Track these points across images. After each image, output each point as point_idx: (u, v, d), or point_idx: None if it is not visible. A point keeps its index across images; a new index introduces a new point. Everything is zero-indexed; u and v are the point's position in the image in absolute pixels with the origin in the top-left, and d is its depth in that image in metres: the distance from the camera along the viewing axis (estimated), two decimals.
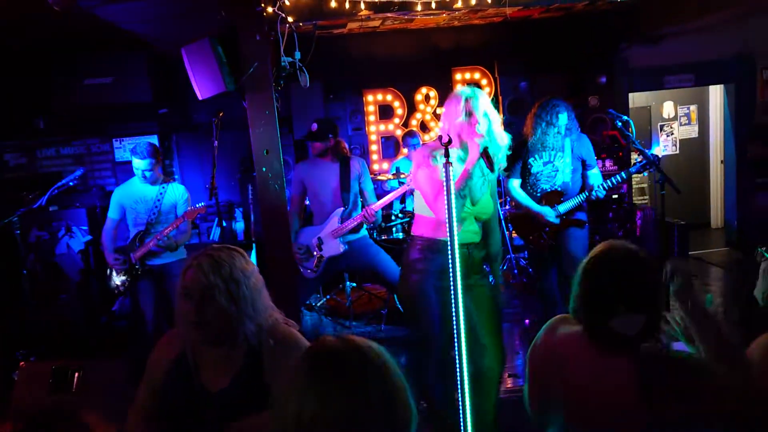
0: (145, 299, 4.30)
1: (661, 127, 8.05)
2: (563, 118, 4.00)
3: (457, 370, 2.38)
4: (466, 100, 2.81)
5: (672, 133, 8.06)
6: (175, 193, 4.34)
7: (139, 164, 4.17)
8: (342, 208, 4.47)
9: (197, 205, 4.28)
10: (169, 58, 5.37)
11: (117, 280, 4.31)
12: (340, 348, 1.18)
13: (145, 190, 4.29)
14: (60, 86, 5.44)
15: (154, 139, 5.91)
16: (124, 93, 5.47)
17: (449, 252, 2.63)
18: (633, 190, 7.09)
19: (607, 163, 6.32)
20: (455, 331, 2.41)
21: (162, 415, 1.82)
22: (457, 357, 2.38)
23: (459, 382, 2.37)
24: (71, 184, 4.55)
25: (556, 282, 4.22)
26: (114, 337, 5.18)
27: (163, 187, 4.30)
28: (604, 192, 4.01)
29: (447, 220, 2.40)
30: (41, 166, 6.01)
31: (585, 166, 4.17)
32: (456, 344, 2.37)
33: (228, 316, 1.74)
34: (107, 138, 5.98)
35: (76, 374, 3.10)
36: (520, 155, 4.17)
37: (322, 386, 1.12)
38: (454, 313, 2.38)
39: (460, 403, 2.36)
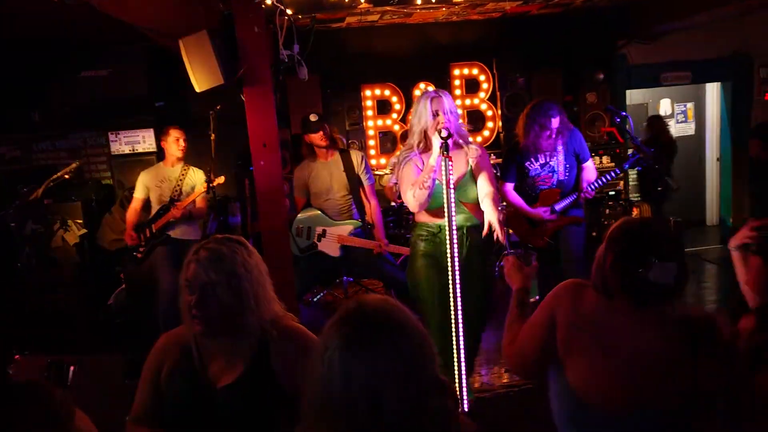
0: (163, 266, 4.50)
1: None
2: (556, 122, 4.02)
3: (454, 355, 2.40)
4: (432, 100, 3.07)
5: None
6: (195, 176, 4.74)
7: (176, 134, 4.67)
8: (360, 224, 4.41)
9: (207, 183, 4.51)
10: (165, 51, 5.32)
11: (135, 248, 4.66)
12: (379, 308, 1.23)
13: (169, 171, 4.72)
14: (56, 79, 5.41)
15: (150, 133, 5.87)
16: (120, 86, 5.45)
17: (435, 236, 3.09)
18: (629, 187, 7.09)
19: (605, 160, 6.32)
20: (453, 316, 2.43)
21: (167, 412, 1.80)
22: (453, 341, 2.40)
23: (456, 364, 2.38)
24: (67, 176, 4.61)
25: (553, 279, 4.23)
26: (109, 331, 5.16)
27: (185, 168, 4.74)
28: (593, 192, 4.08)
29: (446, 211, 2.45)
30: (36, 159, 5.97)
31: (579, 159, 4.19)
32: (453, 328, 2.39)
33: (230, 310, 1.74)
34: (103, 131, 5.94)
35: (72, 368, 3.09)
36: (514, 158, 4.20)
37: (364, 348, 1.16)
38: (451, 297, 2.42)
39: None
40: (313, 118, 4.33)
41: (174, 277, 4.25)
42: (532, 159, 4.13)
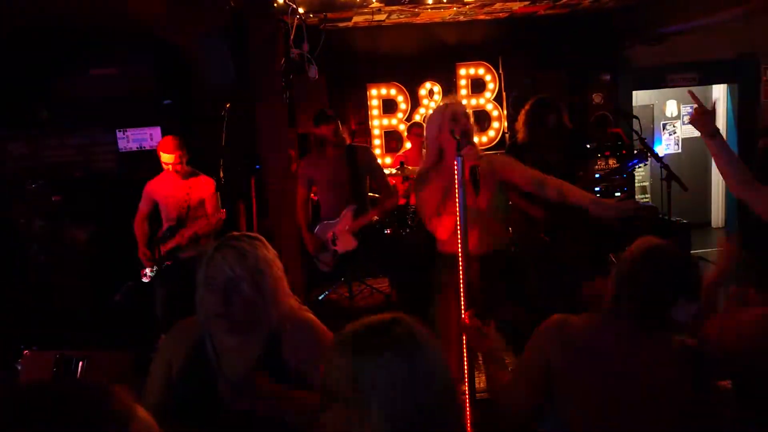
0: (162, 289, 4.38)
1: (664, 125, 8.05)
2: (553, 119, 4.06)
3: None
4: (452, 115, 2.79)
5: (675, 132, 8.07)
6: (204, 187, 4.39)
7: (167, 158, 4.27)
8: (355, 205, 4.47)
9: (220, 210, 4.34)
10: (175, 49, 5.35)
11: (146, 270, 4.45)
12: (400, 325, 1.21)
13: (175, 185, 4.37)
14: (64, 76, 5.41)
15: (157, 131, 5.88)
16: (128, 84, 5.44)
17: (454, 264, 2.55)
18: (635, 189, 7.09)
19: (610, 162, 6.31)
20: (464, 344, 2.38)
21: (179, 405, 1.81)
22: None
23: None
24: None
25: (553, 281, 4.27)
26: (117, 327, 5.18)
27: (192, 181, 4.37)
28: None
29: (458, 229, 2.32)
30: (44, 155, 5.98)
31: (578, 160, 4.24)
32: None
33: (254, 307, 1.75)
34: (111, 129, 5.96)
35: (81, 363, 3.10)
36: (514, 154, 4.24)
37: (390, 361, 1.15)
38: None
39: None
40: (329, 112, 4.42)
41: (172, 299, 4.31)
42: (530, 154, 4.19)
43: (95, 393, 0.93)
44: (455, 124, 2.75)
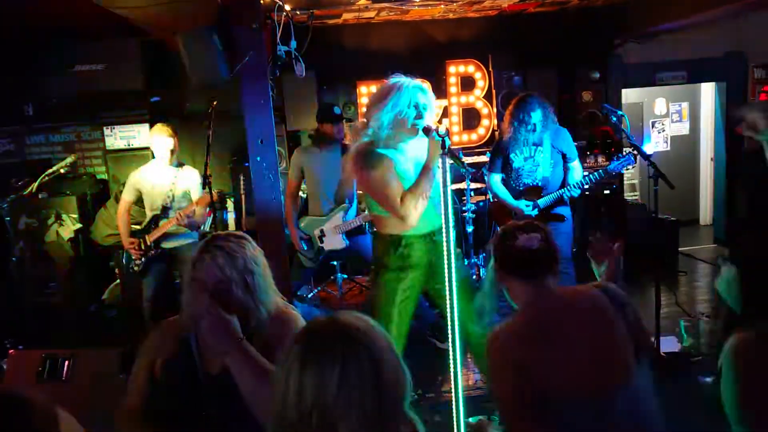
0: (149, 279, 4.37)
1: (653, 123, 8.09)
2: (536, 116, 4.07)
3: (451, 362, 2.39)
4: (414, 91, 2.77)
5: (663, 130, 8.11)
6: (189, 178, 4.40)
7: (159, 137, 4.27)
8: (347, 205, 4.47)
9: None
10: (162, 46, 5.32)
11: (131, 260, 4.40)
12: (328, 327, 1.21)
13: (161, 174, 4.36)
14: (50, 72, 5.38)
15: (145, 128, 5.85)
16: (115, 80, 5.41)
17: (415, 245, 2.80)
18: (624, 186, 7.12)
19: (600, 159, 6.33)
20: (449, 324, 2.42)
21: (162, 403, 1.81)
22: (450, 349, 2.40)
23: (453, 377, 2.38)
24: (62, 171, 4.54)
25: None
26: (103, 326, 5.15)
27: (178, 171, 4.37)
28: (579, 191, 4.11)
29: (443, 215, 2.36)
30: (30, 153, 5.94)
31: (566, 159, 4.24)
32: (450, 337, 2.39)
33: (245, 307, 1.76)
34: (98, 125, 5.92)
35: (67, 362, 3.08)
36: (499, 151, 4.31)
37: (315, 364, 1.15)
38: (448, 305, 2.40)
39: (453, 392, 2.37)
40: (337, 110, 4.43)
41: (159, 289, 4.32)
42: (516, 152, 4.22)
43: (17, 398, 0.91)
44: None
